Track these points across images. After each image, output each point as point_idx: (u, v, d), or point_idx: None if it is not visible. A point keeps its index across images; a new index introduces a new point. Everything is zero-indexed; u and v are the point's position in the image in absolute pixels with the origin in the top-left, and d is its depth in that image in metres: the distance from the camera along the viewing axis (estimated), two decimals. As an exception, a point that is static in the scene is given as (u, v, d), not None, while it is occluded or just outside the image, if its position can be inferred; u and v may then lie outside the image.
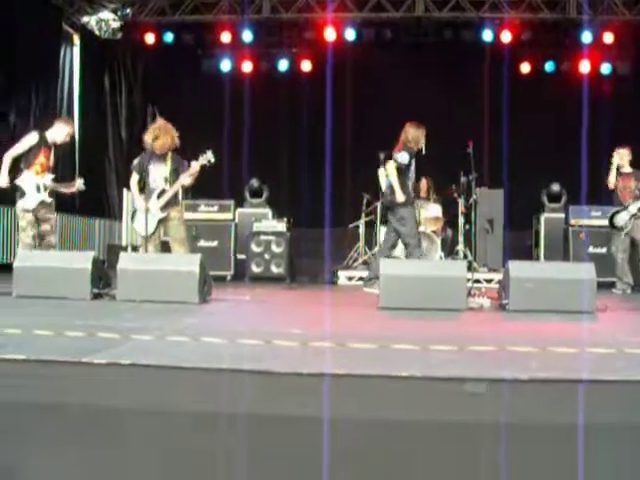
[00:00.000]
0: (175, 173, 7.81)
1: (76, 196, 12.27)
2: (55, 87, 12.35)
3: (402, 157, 8.25)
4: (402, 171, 8.29)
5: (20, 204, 7.89)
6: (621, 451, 2.94)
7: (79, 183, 8.35)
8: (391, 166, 8.29)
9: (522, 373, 3.18)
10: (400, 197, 8.20)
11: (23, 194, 7.87)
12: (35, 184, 7.90)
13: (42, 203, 7.95)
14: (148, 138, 7.76)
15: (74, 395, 3.19)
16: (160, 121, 7.94)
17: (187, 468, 3.04)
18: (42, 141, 8.00)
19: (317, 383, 3.09)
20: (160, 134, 7.75)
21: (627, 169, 9.42)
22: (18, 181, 7.85)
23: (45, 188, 7.96)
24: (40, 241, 7.96)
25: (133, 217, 7.93)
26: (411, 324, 5.68)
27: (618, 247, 9.31)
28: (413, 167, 8.41)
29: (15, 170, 7.86)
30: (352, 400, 3.08)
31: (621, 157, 9.36)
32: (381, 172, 8.72)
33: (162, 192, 7.74)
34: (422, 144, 8.48)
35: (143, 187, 7.79)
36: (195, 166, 7.74)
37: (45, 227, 8.02)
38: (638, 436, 2.99)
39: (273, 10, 13.27)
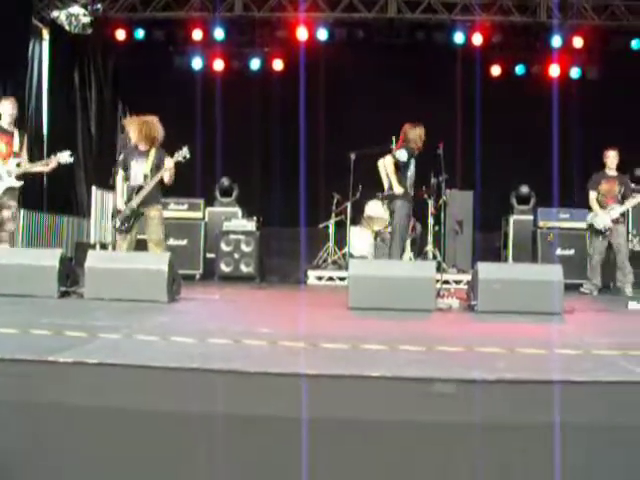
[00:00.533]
0: (157, 170, 7.75)
1: (44, 193, 12.17)
2: (24, 82, 12.18)
3: (400, 154, 8.35)
4: (400, 167, 8.36)
5: None
6: (589, 451, 2.97)
7: (63, 156, 8.06)
8: (388, 160, 8.38)
9: (490, 374, 3.20)
10: (398, 189, 8.30)
11: None
12: None
13: (8, 189, 7.91)
14: (134, 131, 7.72)
15: (41, 394, 3.15)
16: (147, 116, 7.89)
17: (154, 468, 3.02)
18: None
19: (287, 383, 3.09)
20: (144, 127, 7.72)
21: (613, 172, 9.45)
22: None
23: (9, 174, 7.91)
24: None
25: (114, 216, 7.81)
26: (380, 324, 5.69)
27: (595, 249, 9.38)
28: (413, 166, 8.47)
29: None
30: (321, 399, 3.08)
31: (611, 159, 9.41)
32: (380, 165, 8.72)
33: (140, 189, 7.68)
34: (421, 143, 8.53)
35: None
36: (169, 163, 7.68)
37: (5, 214, 7.96)
38: (605, 436, 3.02)
39: (245, 8, 13.19)
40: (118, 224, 7.67)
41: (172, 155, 7.73)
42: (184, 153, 7.73)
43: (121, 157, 7.89)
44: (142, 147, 7.78)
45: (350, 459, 2.99)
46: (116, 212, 7.76)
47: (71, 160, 8.18)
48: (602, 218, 9.28)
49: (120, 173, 7.88)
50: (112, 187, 7.79)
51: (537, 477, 2.92)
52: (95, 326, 4.69)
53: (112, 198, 10.83)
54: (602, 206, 9.35)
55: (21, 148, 8.13)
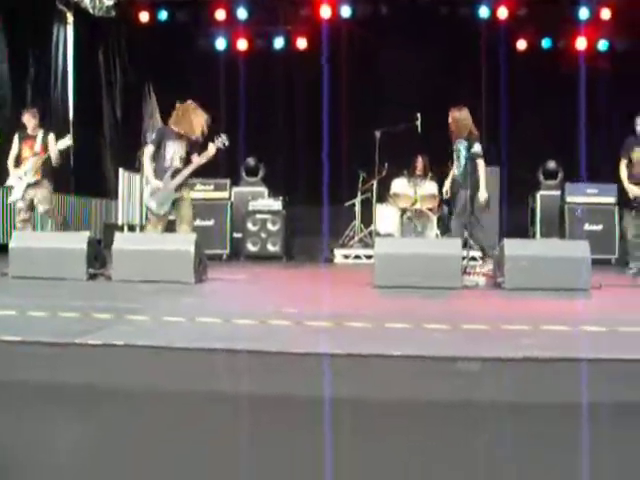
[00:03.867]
0: (188, 154, 7.81)
1: (70, 175, 12.28)
2: (49, 66, 12.26)
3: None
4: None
5: (10, 199, 8.81)
6: (616, 430, 2.95)
7: (63, 142, 8.67)
8: None
9: (516, 351, 3.19)
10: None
11: (12, 189, 8.72)
12: (17, 177, 8.63)
13: (28, 185, 8.62)
14: (181, 117, 7.80)
15: (69, 376, 3.20)
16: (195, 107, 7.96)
17: (181, 448, 3.06)
18: (21, 136, 8.76)
19: (311, 362, 3.10)
20: (193, 115, 7.81)
21: None
22: (8, 182, 8.77)
23: (25, 173, 8.59)
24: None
25: (151, 195, 7.74)
26: (406, 302, 5.70)
27: (629, 225, 8.76)
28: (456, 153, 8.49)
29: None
30: (346, 379, 3.09)
31: None
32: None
33: (176, 171, 7.70)
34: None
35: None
36: (212, 148, 7.71)
37: (36, 199, 8.70)
38: (631, 414, 3.01)
39: (268, -13, 13.17)
40: (156, 207, 7.68)
41: (212, 140, 7.78)
42: (223, 139, 7.78)
43: (155, 134, 7.94)
44: (179, 130, 7.78)
45: (374, 439, 3.01)
46: (155, 191, 7.67)
47: (70, 143, 8.79)
48: (631, 188, 8.72)
49: (150, 149, 7.79)
50: (138, 169, 7.81)
51: (563, 456, 2.92)
52: (122, 308, 4.74)
53: (140, 178, 10.88)
54: (633, 177, 8.81)
55: (45, 147, 8.68)
